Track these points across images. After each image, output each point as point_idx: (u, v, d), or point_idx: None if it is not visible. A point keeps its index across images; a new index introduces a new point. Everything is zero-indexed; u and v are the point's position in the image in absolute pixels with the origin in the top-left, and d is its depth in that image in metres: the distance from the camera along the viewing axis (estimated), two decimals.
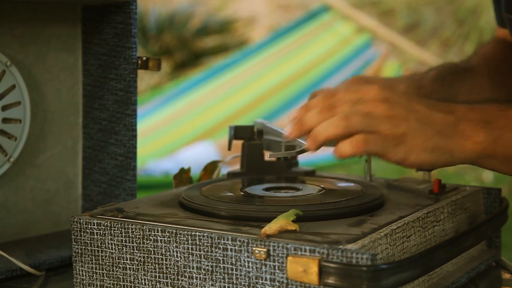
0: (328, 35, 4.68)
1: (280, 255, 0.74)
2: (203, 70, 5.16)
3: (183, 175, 1.11)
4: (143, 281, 0.82)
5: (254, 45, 5.01)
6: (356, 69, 4.47)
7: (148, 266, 0.82)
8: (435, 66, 1.19)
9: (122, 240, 0.83)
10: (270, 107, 4.30)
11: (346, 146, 0.79)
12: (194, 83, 4.56)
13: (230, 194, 0.93)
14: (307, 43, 4.65)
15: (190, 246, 0.79)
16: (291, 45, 4.66)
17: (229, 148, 1.12)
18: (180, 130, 4.19)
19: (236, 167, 1.12)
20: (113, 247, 0.84)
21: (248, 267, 0.76)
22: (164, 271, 0.81)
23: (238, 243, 0.76)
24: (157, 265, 0.81)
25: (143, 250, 0.82)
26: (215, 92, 4.43)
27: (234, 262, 0.77)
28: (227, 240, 0.77)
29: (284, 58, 4.59)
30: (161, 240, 0.81)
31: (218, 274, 0.78)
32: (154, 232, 0.81)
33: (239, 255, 0.77)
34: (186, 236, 0.79)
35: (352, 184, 0.98)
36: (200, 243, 0.79)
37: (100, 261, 0.85)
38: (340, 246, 0.73)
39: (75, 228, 0.86)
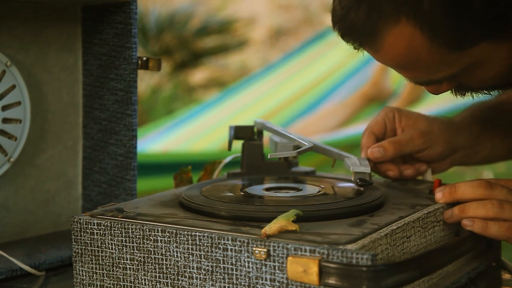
0: (336, 51, 4.73)
1: (280, 255, 0.74)
2: (216, 92, 5.24)
3: (183, 175, 1.11)
4: (143, 281, 0.82)
5: (263, 68, 5.07)
6: (364, 78, 4.49)
7: (148, 266, 0.82)
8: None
9: (122, 240, 0.83)
10: (282, 119, 4.34)
11: (495, 229, 0.88)
12: (207, 106, 4.61)
13: (230, 194, 0.93)
14: (315, 59, 4.72)
15: (190, 246, 0.79)
16: (300, 63, 4.73)
17: (229, 148, 1.12)
18: (193, 148, 4.21)
19: (236, 167, 1.12)
20: (113, 247, 0.84)
21: (248, 267, 0.76)
22: (164, 271, 0.81)
23: (238, 243, 0.76)
24: (157, 265, 0.81)
25: (143, 250, 0.82)
26: (227, 111, 4.48)
27: (234, 262, 0.77)
28: (227, 240, 0.77)
29: (294, 74, 4.66)
30: (161, 240, 0.81)
31: (218, 274, 0.78)
32: (154, 232, 0.81)
33: (239, 255, 0.77)
34: (186, 236, 0.79)
35: (352, 184, 0.98)
36: (200, 243, 0.79)
37: (100, 261, 0.85)
38: (340, 246, 0.73)
39: (75, 228, 0.86)
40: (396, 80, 4.48)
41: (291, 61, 4.82)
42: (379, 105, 4.33)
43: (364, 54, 0.96)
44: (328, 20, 0.93)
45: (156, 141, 4.13)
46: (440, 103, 4.07)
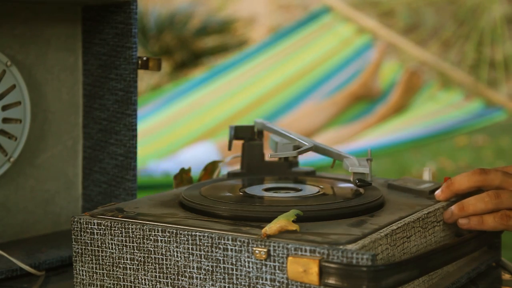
0: (329, 36, 4.70)
1: (280, 255, 0.74)
2: (204, 71, 5.17)
3: (183, 175, 1.11)
4: (143, 281, 0.82)
5: (255, 46, 5.03)
6: (356, 70, 4.48)
7: (148, 266, 0.82)
8: None
9: (122, 240, 0.83)
10: (271, 108, 4.32)
11: (491, 220, 0.87)
12: (195, 84, 4.58)
13: (230, 194, 0.93)
14: (307, 44, 4.68)
15: (190, 246, 0.79)
16: (292, 46, 4.69)
17: (229, 148, 1.12)
18: (180, 130, 4.19)
19: (236, 167, 1.12)
20: (113, 247, 0.84)
21: (249, 267, 0.76)
22: (164, 271, 0.81)
23: (239, 243, 0.76)
24: (157, 265, 0.81)
25: (143, 250, 0.82)
26: (216, 93, 4.45)
27: (234, 262, 0.77)
28: (227, 240, 0.77)
29: (285, 59, 4.62)
30: (161, 240, 0.81)
31: (218, 274, 0.78)
32: (154, 232, 0.81)
33: (239, 255, 0.77)
34: (186, 236, 0.79)
35: (353, 184, 0.98)
36: (200, 243, 0.79)
37: (100, 261, 0.85)
38: (341, 247, 0.73)
39: (75, 228, 0.86)
40: (385, 80, 4.48)
41: (282, 43, 4.76)
42: (367, 105, 4.33)
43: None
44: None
45: (143, 119, 4.09)
46: (427, 113, 4.07)
